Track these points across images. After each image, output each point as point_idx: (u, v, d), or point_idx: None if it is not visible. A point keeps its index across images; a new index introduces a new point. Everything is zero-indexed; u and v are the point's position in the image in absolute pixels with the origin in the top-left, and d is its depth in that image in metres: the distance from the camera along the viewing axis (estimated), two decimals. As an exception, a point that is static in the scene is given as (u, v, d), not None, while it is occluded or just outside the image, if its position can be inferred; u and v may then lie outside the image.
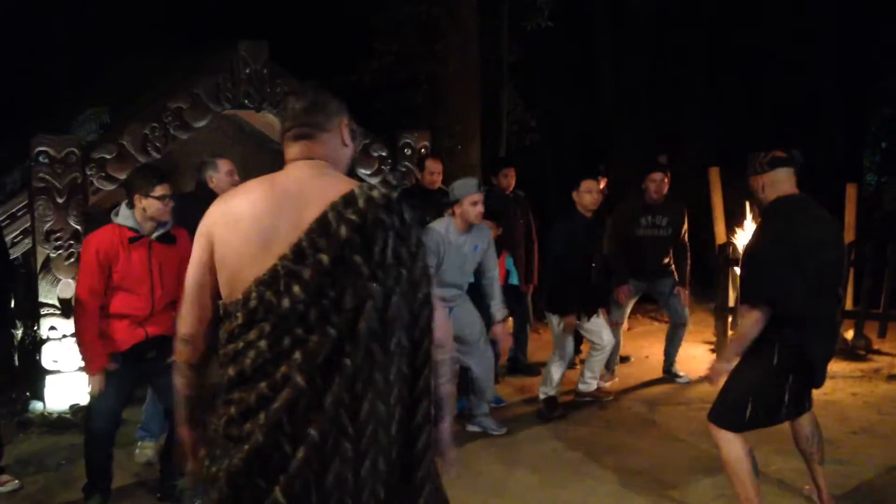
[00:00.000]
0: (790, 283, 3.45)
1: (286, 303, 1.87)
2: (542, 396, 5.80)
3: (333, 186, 1.98)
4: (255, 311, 1.90)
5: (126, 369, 3.98)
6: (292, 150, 2.13)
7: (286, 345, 1.88)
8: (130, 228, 3.93)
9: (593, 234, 5.80)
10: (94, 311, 3.87)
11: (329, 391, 1.86)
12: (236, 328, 1.93)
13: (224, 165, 4.94)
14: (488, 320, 5.44)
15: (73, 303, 4.03)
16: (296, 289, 1.87)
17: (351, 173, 2.53)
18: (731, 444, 3.59)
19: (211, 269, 2.05)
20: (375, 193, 1.94)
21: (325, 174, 2.07)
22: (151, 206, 3.91)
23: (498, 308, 5.31)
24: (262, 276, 1.90)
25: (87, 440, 4.08)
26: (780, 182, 3.60)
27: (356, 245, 1.90)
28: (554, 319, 5.74)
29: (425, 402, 2.00)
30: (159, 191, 3.92)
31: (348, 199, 1.92)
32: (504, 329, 5.34)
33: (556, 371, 5.75)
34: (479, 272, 5.31)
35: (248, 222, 1.96)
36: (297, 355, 1.86)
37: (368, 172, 7.18)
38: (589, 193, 5.64)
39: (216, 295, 2.07)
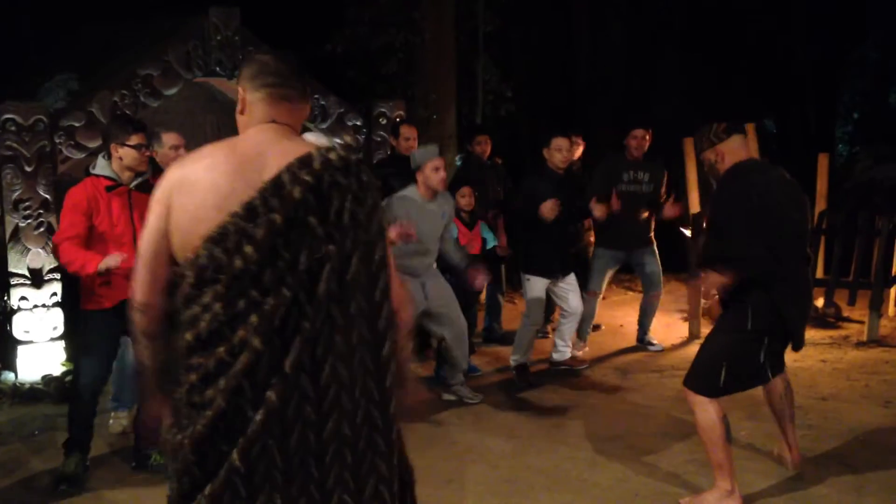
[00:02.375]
0: (753, 245, 3.48)
1: (238, 262, 1.85)
2: (513, 364, 5.83)
3: (294, 150, 1.96)
4: (204, 269, 1.88)
5: (113, 326, 3.97)
6: (271, 109, 2.05)
7: (241, 307, 1.86)
8: (108, 178, 3.93)
9: (566, 190, 5.66)
10: (76, 246, 3.80)
11: (289, 354, 1.86)
12: (189, 289, 1.91)
13: (169, 139, 4.81)
14: (460, 295, 5.45)
15: (54, 253, 4.00)
16: (248, 249, 1.85)
17: None
18: (706, 410, 3.63)
19: (166, 236, 1.99)
20: (332, 155, 1.94)
21: (287, 138, 2.04)
22: (128, 155, 3.92)
23: (462, 257, 5.27)
24: (210, 234, 1.88)
25: (73, 396, 4.09)
26: (736, 149, 3.66)
27: (310, 206, 1.89)
28: (527, 284, 5.74)
29: (393, 366, 1.99)
30: (135, 139, 3.92)
31: (304, 161, 1.92)
32: (477, 269, 5.19)
33: (525, 337, 5.77)
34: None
35: (204, 187, 1.92)
36: (254, 318, 1.85)
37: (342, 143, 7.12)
38: (559, 151, 5.59)
39: (170, 263, 2.00)
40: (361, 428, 1.94)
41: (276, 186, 1.88)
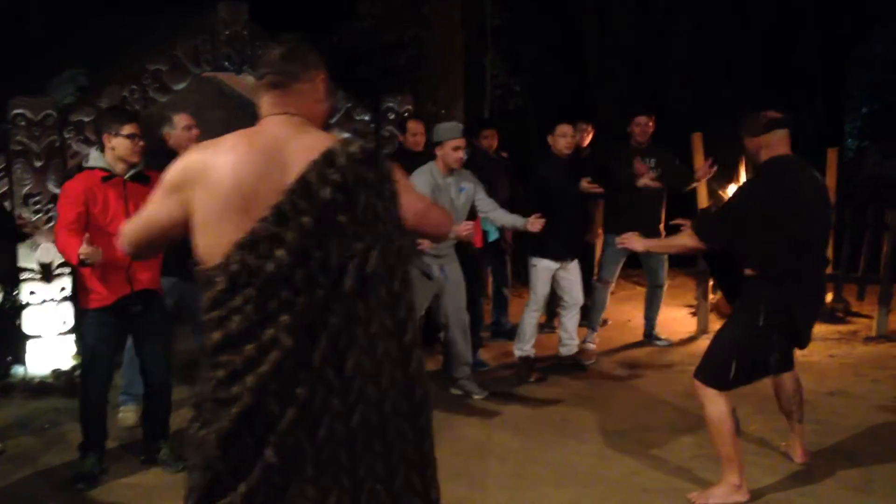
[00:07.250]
0: (769, 244, 3.48)
1: (271, 266, 1.84)
2: (517, 354, 5.83)
3: (314, 145, 1.94)
4: (237, 275, 1.87)
5: (113, 325, 3.97)
6: (266, 100, 2.06)
7: (272, 308, 1.86)
8: (102, 169, 3.89)
9: (573, 174, 5.76)
10: (71, 235, 3.72)
11: (317, 349, 1.86)
12: (219, 294, 1.89)
13: (181, 121, 4.80)
14: (473, 289, 5.54)
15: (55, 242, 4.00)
16: (279, 252, 1.84)
17: None
18: (715, 403, 3.64)
19: (178, 225, 2.00)
20: (354, 148, 1.92)
21: (304, 132, 2.01)
22: (121, 145, 3.86)
23: (515, 217, 5.32)
24: (241, 240, 1.86)
25: (82, 397, 4.06)
26: (775, 143, 3.65)
27: (340, 204, 1.88)
28: (534, 269, 5.73)
29: (416, 353, 2.01)
30: (128, 129, 3.86)
31: (328, 158, 1.90)
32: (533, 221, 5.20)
33: (529, 324, 5.78)
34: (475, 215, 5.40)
35: (229, 186, 1.90)
36: (285, 317, 1.85)
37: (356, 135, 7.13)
38: (563, 137, 5.69)
39: (155, 248, 2.21)
40: (390, 417, 1.95)
41: (303, 188, 1.87)
